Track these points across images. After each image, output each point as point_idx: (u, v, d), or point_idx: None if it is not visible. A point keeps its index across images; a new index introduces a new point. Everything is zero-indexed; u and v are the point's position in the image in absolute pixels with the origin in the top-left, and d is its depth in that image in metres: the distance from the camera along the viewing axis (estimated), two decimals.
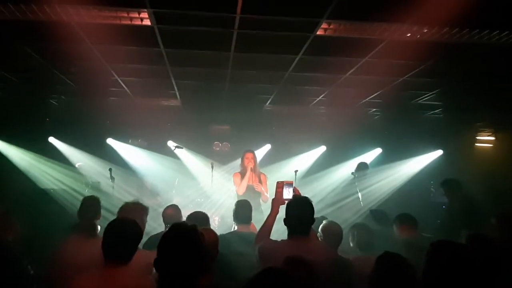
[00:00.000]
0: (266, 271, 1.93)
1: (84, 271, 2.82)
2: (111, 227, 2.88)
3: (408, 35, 4.56)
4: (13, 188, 8.01)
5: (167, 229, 4.28)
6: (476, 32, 4.43)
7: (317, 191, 8.81)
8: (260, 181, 6.67)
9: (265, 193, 6.56)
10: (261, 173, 6.88)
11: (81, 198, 7.09)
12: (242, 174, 6.69)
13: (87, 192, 7.60)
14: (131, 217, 3.67)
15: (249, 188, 6.52)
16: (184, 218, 4.36)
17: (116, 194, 7.44)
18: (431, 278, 2.40)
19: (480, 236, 3.32)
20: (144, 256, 3.01)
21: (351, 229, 4.51)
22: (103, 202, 5.05)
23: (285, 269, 2.03)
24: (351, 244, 4.43)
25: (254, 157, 6.80)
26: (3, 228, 4.26)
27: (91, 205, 4.72)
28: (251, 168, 6.59)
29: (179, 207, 4.87)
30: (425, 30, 4.43)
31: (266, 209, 5.77)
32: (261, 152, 10.12)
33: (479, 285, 2.41)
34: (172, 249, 2.23)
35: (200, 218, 3.96)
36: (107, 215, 5.56)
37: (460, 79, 6.35)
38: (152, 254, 2.32)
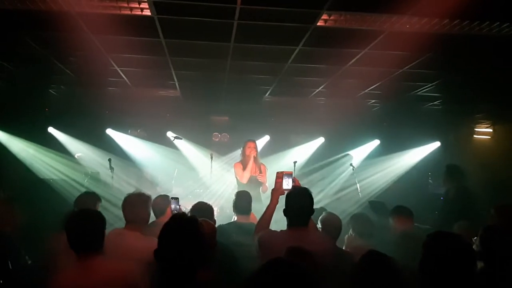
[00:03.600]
0: (273, 262, 1.84)
1: None
2: (72, 221, 2.85)
3: (408, 26, 4.56)
4: (12, 178, 8.02)
5: (156, 219, 4.30)
6: (476, 24, 4.43)
7: (316, 182, 8.86)
8: (260, 172, 6.66)
9: (265, 184, 6.57)
10: (261, 163, 6.87)
11: (80, 188, 7.13)
12: (244, 163, 6.63)
13: (87, 183, 7.62)
14: (137, 208, 3.71)
15: (251, 179, 6.51)
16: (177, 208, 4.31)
17: (116, 184, 7.47)
18: (428, 269, 2.42)
19: (493, 227, 3.33)
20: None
21: (350, 220, 4.54)
22: (102, 193, 5.05)
23: (292, 260, 1.97)
24: (352, 234, 4.47)
25: (256, 147, 6.77)
26: (3, 219, 4.27)
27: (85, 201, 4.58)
28: (253, 156, 6.57)
29: (179, 197, 4.85)
30: (425, 22, 4.43)
31: (265, 199, 5.82)
32: (260, 143, 10.12)
33: (476, 275, 2.43)
34: (173, 239, 2.23)
35: (205, 209, 3.97)
36: (107, 205, 5.58)
37: (460, 71, 6.35)
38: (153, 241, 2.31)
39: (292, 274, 1.77)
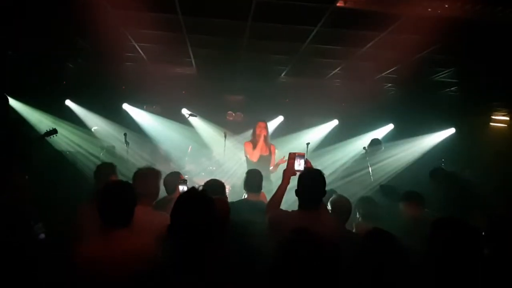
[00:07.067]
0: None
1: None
2: (105, 192, 2.85)
3: (429, 10, 4.49)
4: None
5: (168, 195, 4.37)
6: (500, 9, 4.34)
7: (328, 164, 8.87)
8: (270, 152, 6.80)
9: (274, 164, 6.70)
10: (271, 144, 7.01)
11: (96, 161, 7.23)
12: (254, 143, 6.81)
13: (102, 156, 7.74)
14: (146, 182, 3.75)
15: (260, 158, 6.64)
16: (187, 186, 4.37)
17: (131, 158, 7.57)
18: (434, 255, 2.41)
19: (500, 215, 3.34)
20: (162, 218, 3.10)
21: (357, 203, 4.57)
22: (117, 166, 5.12)
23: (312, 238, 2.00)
24: (358, 217, 4.50)
25: (267, 127, 6.94)
26: (20, 191, 4.36)
27: (105, 173, 4.55)
28: (264, 135, 6.70)
29: (192, 174, 4.93)
30: (447, 6, 4.36)
31: (277, 180, 5.87)
32: (274, 123, 10.15)
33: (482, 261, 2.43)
34: (184, 213, 2.25)
35: (217, 186, 4.04)
36: (122, 178, 5.67)
37: (478, 58, 6.25)
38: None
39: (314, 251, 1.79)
